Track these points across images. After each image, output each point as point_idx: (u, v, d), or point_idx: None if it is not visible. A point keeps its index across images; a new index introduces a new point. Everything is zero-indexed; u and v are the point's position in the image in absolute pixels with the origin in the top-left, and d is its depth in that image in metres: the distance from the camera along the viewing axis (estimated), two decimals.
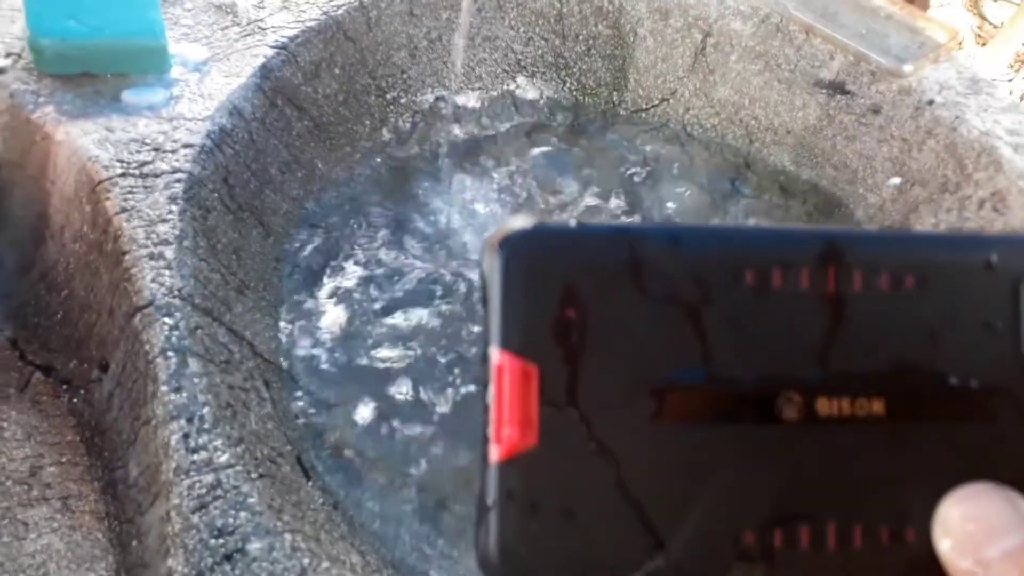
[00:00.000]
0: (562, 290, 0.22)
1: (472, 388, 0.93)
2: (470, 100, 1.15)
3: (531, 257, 0.22)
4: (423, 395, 0.91)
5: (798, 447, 0.21)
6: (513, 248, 0.22)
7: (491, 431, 0.22)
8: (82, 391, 0.86)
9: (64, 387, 0.87)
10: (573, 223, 0.23)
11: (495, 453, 0.22)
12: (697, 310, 0.22)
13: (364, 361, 0.93)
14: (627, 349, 0.22)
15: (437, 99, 1.13)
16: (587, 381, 0.22)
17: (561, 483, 0.22)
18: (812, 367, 0.21)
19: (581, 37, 1.19)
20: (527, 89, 1.19)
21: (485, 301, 0.23)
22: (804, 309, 0.22)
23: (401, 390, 0.92)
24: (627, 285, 0.22)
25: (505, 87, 1.19)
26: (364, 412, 0.90)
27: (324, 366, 0.91)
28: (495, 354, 0.22)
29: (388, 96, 1.10)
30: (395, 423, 0.90)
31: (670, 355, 0.22)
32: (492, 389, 0.22)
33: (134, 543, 0.73)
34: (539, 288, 0.22)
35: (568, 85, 1.21)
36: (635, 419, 0.22)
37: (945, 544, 0.20)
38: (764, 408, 0.21)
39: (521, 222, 0.23)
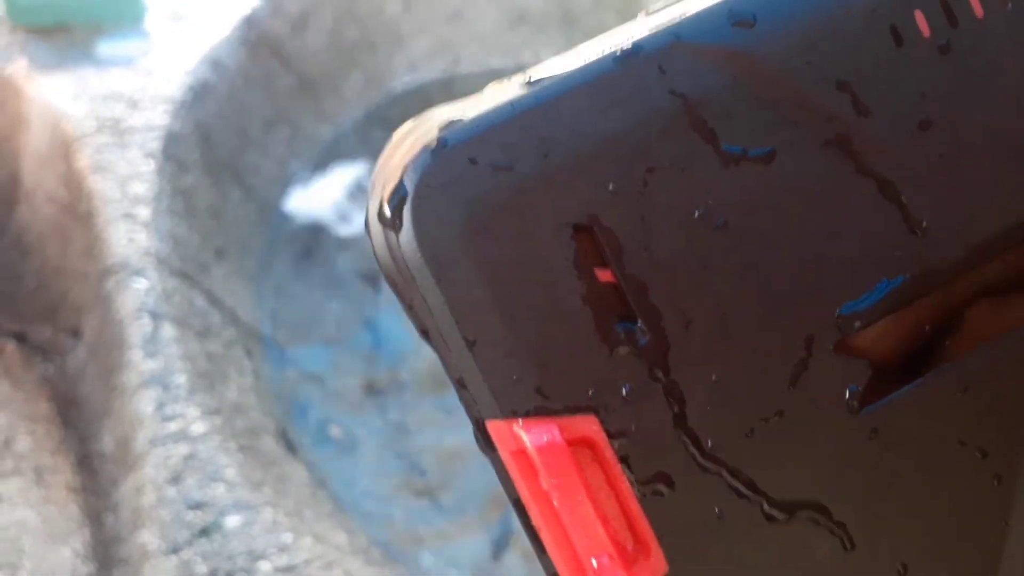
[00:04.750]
0: (572, 244, 0.16)
1: None
2: (469, 56, 1.14)
3: (484, 215, 0.16)
4: (417, 368, 0.92)
5: None
6: (432, 212, 0.16)
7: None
8: (57, 359, 0.87)
9: (39, 357, 0.88)
10: (519, 85, 0.16)
11: None
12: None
13: (355, 332, 0.94)
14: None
15: (432, 54, 1.12)
16: (703, 403, 0.16)
17: None
18: None
19: None
20: (531, 42, 1.18)
21: (425, 333, 0.17)
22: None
23: (394, 362, 0.93)
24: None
25: (508, 43, 1.18)
26: (354, 385, 0.90)
27: (312, 337, 0.92)
28: (503, 430, 0.16)
29: (380, 51, 1.10)
30: (387, 397, 0.90)
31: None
32: (528, 500, 0.16)
33: (109, 516, 0.74)
34: (528, 264, 0.16)
35: (576, 42, 1.20)
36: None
37: None
38: None
39: (412, 143, 0.16)
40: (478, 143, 0.16)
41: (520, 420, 0.16)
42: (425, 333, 0.17)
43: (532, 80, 0.16)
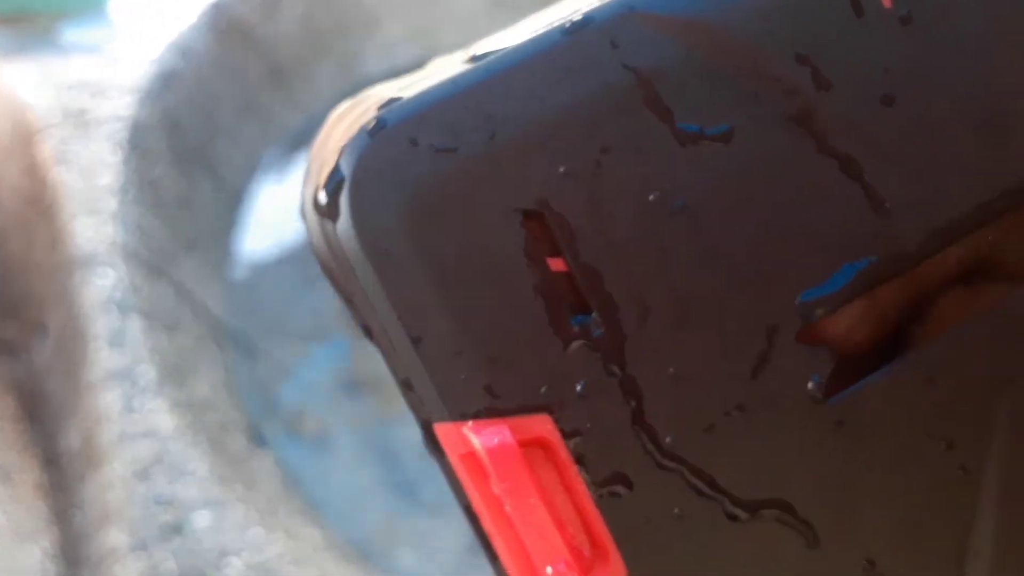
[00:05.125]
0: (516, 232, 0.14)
1: None
2: (446, 41, 1.13)
3: (424, 200, 0.14)
4: None
5: None
6: (371, 198, 0.14)
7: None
8: (23, 356, 0.85)
9: (5, 354, 0.87)
10: (462, 60, 0.15)
11: None
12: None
13: (330, 325, 0.93)
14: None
15: (408, 39, 1.11)
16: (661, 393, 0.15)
17: None
18: None
19: None
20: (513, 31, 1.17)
21: (367, 330, 0.15)
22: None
23: (371, 357, 0.92)
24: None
25: (486, 27, 1.17)
26: (330, 379, 0.89)
27: (284, 329, 0.91)
28: (452, 433, 0.15)
29: (353, 36, 1.09)
30: (364, 391, 0.89)
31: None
32: (479, 506, 0.15)
33: (77, 514, 0.73)
34: (474, 251, 0.14)
35: None
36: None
37: None
38: None
39: (349, 124, 0.14)
40: (419, 123, 0.15)
41: (470, 422, 0.15)
42: (367, 330, 0.16)
43: (476, 55, 0.15)
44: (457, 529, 0.82)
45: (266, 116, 0.98)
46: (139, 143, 0.81)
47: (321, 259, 0.16)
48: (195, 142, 0.87)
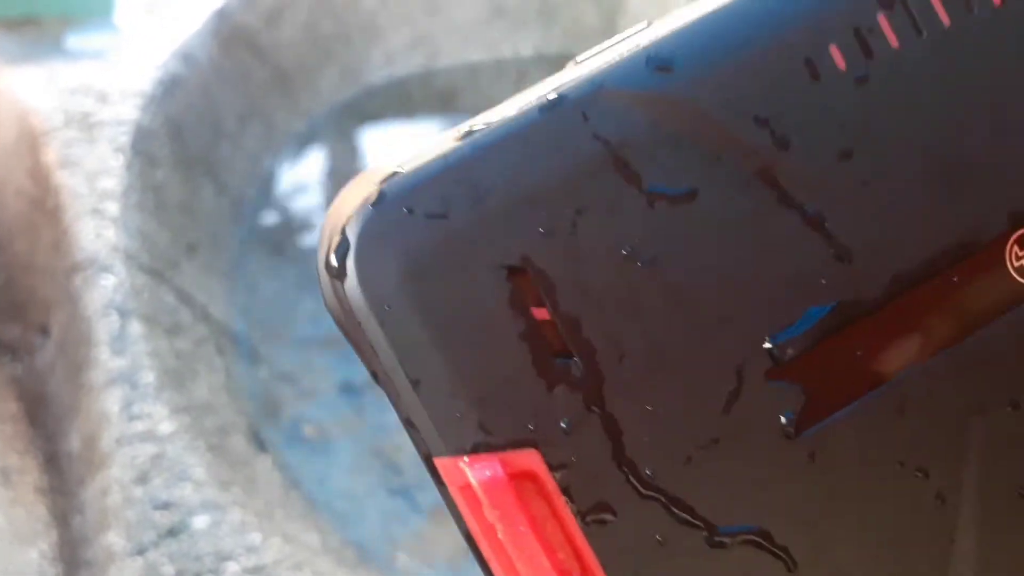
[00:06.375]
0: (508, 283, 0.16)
1: None
2: (447, 49, 1.14)
3: (427, 268, 0.16)
4: None
5: None
6: (374, 260, 0.16)
7: None
8: (26, 358, 0.86)
9: (7, 356, 0.87)
10: (453, 138, 0.17)
11: None
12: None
13: (330, 329, 0.93)
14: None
15: (410, 48, 1.12)
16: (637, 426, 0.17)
17: None
18: None
19: None
20: (510, 36, 1.18)
21: (374, 375, 0.17)
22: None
23: None
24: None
25: (487, 36, 1.18)
26: (329, 383, 0.90)
27: (285, 334, 0.91)
28: (450, 466, 0.17)
29: (356, 43, 1.09)
30: (364, 396, 0.90)
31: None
32: (476, 533, 0.17)
33: (76, 517, 0.73)
34: (470, 309, 0.16)
35: (553, 35, 1.19)
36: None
37: None
38: None
39: (355, 195, 0.17)
40: (414, 194, 0.17)
41: (466, 456, 0.17)
42: (374, 375, 0.17)
43: (465, 132, 0.17)
44: (454, 533, 0.83)
45: (269, 122, 0.98)
46: (142, 148, 0.82)
47: (333, 313, 0.18)
48: (198, 147, 0.88)
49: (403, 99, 1.12)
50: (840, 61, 0.18)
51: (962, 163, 0.18)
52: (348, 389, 0.89)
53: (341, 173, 1.04)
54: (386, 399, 0.18)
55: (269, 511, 0.72)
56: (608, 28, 1.19)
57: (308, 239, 0.99)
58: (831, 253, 0.18)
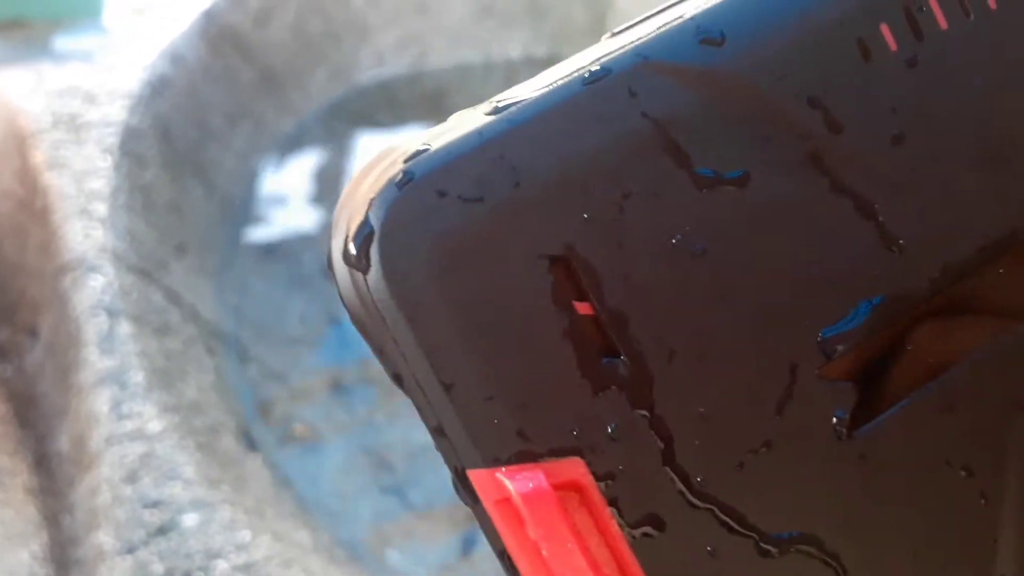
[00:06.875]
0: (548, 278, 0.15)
1: None
2: (437, 50, 1.14)
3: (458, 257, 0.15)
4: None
5: None
6: (401, 249, 0.15)
7: None
8: (15, 359, 0.86)
9: None
10: (485, 112, 0.15)
11: None
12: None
13: (320, 328, 0.93)
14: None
15: (399, 47, 1.12)
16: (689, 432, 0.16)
17: None
18: None
19: None
20: (499, 36, 1.18)
21: (398, 379, 0.16)
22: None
23: (360, 361, 0.92)
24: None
25: (476, 36, 1.18)
26: (320, 382, 0.90)
27: (275, 333, 0.91)
28: (486, 479, 0.15)
29: (345, 43, 1.10)
30: (354, 394, 0.90)
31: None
32: (515, 551, 0.15)
33: (66, 517, 0.73)
34: (504, 304, 0.15)
35: (543, 34, 1.20)
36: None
37: None
38: None
39: (376, 177, 0.16)
40: (445, 174, 0.15)
41: (503, 467, 0.15)
42: (398, 378, 0.16)
43: (499, 106, 0.16)
44: (445, 530, 0.83)
45: (257, 122, 0.98)
46: (130, 149, 0.82)
47: (351, 310, 0.16)
48: (186, 148, 0.88)
49: (392, 99, 1.12)
50: (891, 41, 0.17)
51: (1010, 150, 0.17)
52: (338, 388, 0.90)
53: (330, 173, 1.04)
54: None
55: (259, 509, 0.72)
56: (597, 28, 1.20)
57: (297, 239, 0.99)
58: (881, 243, 0.17)
